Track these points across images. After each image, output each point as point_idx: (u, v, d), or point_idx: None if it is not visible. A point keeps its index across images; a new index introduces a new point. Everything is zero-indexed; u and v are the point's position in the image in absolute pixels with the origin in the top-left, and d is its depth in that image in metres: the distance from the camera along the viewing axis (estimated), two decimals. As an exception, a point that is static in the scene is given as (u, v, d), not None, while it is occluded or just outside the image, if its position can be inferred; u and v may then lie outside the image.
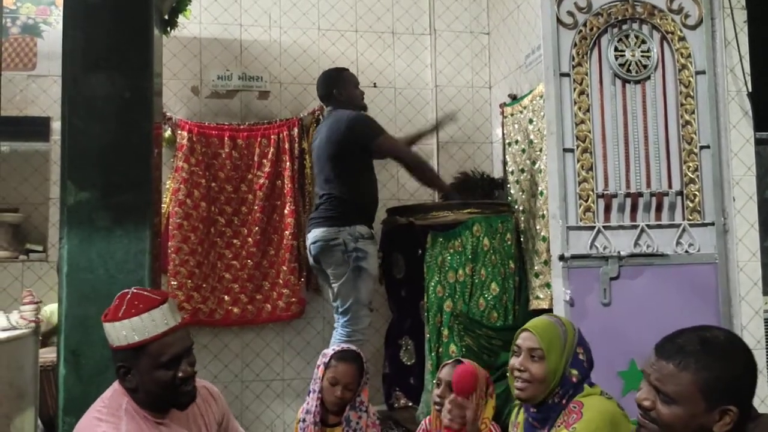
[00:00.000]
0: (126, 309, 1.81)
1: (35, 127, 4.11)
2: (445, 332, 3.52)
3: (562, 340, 2.01)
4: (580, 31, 3.01)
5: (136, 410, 1.83)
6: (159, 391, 1.83)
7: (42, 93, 4.11)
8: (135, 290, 1.88)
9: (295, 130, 4.26)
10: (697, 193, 2.99)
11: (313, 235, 3.51)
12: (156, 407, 1.87)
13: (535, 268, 3.62)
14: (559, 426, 1.93)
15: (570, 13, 3.01)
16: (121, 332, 1.79)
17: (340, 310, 3.51)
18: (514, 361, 2.04)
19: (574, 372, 1.99)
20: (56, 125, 4.00)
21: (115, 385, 1.91)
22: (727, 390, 1.44)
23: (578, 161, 2.95)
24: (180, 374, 1.83)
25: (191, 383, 1.89)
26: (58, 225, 2.65)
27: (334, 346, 2.86)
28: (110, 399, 1.85)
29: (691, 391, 1.45)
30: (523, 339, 2.05)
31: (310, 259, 3.63)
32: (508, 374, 2.10)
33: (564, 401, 1.97)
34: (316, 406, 2.60)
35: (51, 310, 3.46)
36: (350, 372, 2.60)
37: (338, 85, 3.72)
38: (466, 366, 2.34)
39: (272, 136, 4.24)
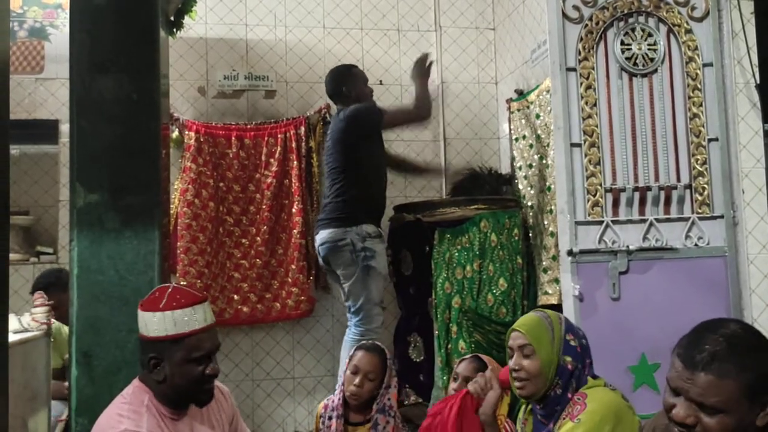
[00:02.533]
0: (167, 301, 1.86)
1: (44, 130, 4.13)
2: (454, 328, 3.52)
3: (549, 330, 2.04)
4: (586, 25, 3.00)
5: (156, 406, 1.86)
6: (186, 385, 1.87)
7: (50, 96, 4.14)
8: (175, 285, 1.94)
9: (302, 128, 4.27)
10: (705, 186, 2.97)
11: (321, 236, 3.53)
12: (177, 403, 1.90)
13: (544, 263, 3.61)
14: (564, 418, 1.94)
15: (575, 8, 3.00)
16: (162, 323, 1.84)
17: (352, 309, 3.52)
18: (510, 362, 2.07)
19: (568, 359, 2.01)
20: (65, 128, 4.02)
21: (136, 381, 1.94)
22: (766, 384, 1.42)
23: (586, 156, 2.94)
24: (208, 371, 1.89)
25: (212, 382, 1.94)
26: (68, 227, 2.66)
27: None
28: (132, 395, 1.88)
29: (737, 396, 1.40)
30: (513, 339, 2.07)
31: (320, 261, 3.65)
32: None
33: (569, 394, 1.98)
34: (339, 399, 2.61)
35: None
36: (370, 361, 2.61)
37: (347, 82, 3.72)
38: None
39: (279, 136, 4.24)
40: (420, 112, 3.69)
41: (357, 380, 2.58)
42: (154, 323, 1.85)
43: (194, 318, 1.86)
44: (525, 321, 2.10)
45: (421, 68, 3.71)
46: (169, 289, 1.90)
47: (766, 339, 1.49)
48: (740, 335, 1.47)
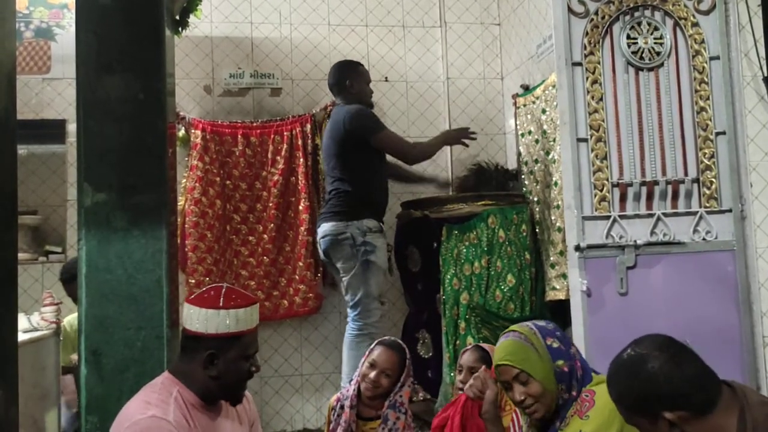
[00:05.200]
0: (225, 300, 1.92)
1: (51, 130, 4.15)
2: (462, 325, 3.52)
3: (531, 347, 1.99)
4: (592, 19, 2.99)
5: (186, 399, 1.89)
6: (234, 381, 1.95)
7: (57, 96, 4.15)
8: (227, 286, 2.00)
9: (308, 126, 4.27)
10: (713, 179, 2.96)
11: (322, 229, 3.55)
12: (214, 398, 1.96)
13: (551, 258, 3.61)
14: (572, 415, 1.93)
15: (581, 2, 2.99)
16: (224, 321, 1.90)
17: (351, 303, 3.54)
18: (513, 396, 2.01)
19: (560, 362, 1.97)
20: (72, 127, 4.04)
21: (166, 373, 1.97)
22: (647, 401, 1.57)
23: (592, 150, 2.94)
24: (253, 368, 1.98)
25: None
26: (76, 226, 2.68)
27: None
28: (161, 386, 1.91)
29: (628, 414, 1.64)
30: (503, 374, 2.01)
31: (320, 254, 3.67)
32: (517, 409, 2.10)
33: (574, 393, 1.96)
34: (354, 390, 2.62)
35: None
36: (389, 357, 2.62)
37: (351, 77, 3.73)
38: None
39: (285, 133, 4.25)
40: (417, 155, 3.72)
41: (373, 375, 2.59)
42: (217, 320, 1.90)
43: (251, 318, 1.95)
44: (505, 351, 2.02)
45: (457, 135, 3.77)
46: (224, 289, 1.96)
47: (649, 361, 1.59)
48: (621, 361, 1.65)
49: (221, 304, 1.91)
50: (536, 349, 1.99)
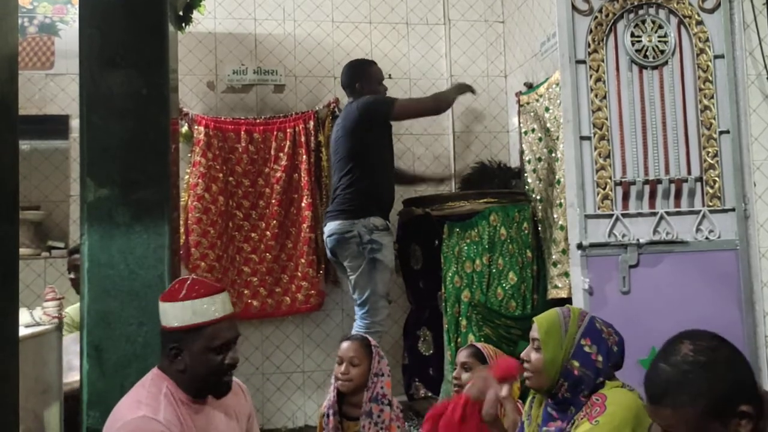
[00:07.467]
0: (186, 292, 1.88)
1: (54, 125, 4.15)
2: (464, 322, 3.52)
3: (562, 329, 1.97)
4: (596, 17, 2.98)
5: (174, 395, 1.88)
6: (205, 374, 1.89)
7: (60, 91, 4.15)
8: (195, 277, 1.97)
9: (311, 123, 4.27)
10: (716, 178, 2.95)
11: (329, 228, 3.56)
12: (197, 392, 1.92)
13: (553, 257, 3.60)
14: (581, 419, 1.91)
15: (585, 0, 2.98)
16: (180, 313, 1.87)
17: (358, 302, 3.54)
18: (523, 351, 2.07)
19: (576, 363, 1.93)
20: (75, 123, 4.04)
21: (155, 370, 1.96)
22: (728, 398, 1.40)
23: (595, 149, 2.93)
24: (227, 361, 1.91)
25: (231, 374, 1.96)
26: (78, 222, 2.68)
27: None
28: (151, 383, 1.90)
29: (699, 421, 1.40)
30: (532, 329, 2.05)
31: (327, 253, 3.67)
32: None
33: (581, 397, 1.93)
34: (333, 395, 2.63)
35: (74, 309, 3.45)
36: (350, 346, 2.64)
37: (362, 79, 3.75)
38: (513, 361, 2.32)
39: (288, 130, 4.25)
40: (436, 106, 3.78)
41: (342, 368, 2.60)
42: (173, 313, 1.88)
43: (213, 308, 1.89)
44: (544, 314, 2.06)
45: (462, 88, 3.86)
46: (188, 281, 1.93)
47: (718, 353, 1.45)
48: (690, 360, 1.44)
49: (181, 296, 1.88)
50: (564, 335, 1.97)
